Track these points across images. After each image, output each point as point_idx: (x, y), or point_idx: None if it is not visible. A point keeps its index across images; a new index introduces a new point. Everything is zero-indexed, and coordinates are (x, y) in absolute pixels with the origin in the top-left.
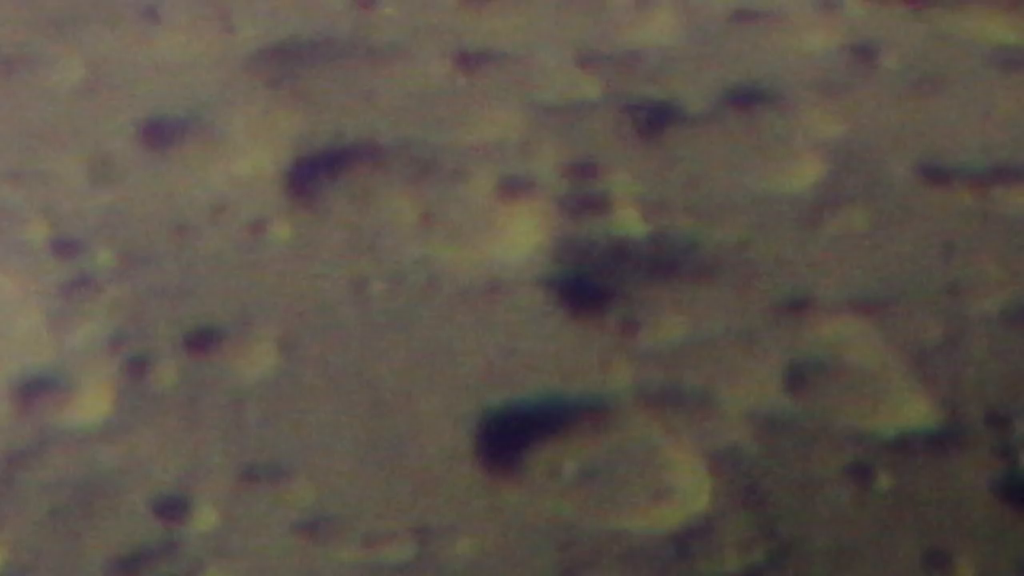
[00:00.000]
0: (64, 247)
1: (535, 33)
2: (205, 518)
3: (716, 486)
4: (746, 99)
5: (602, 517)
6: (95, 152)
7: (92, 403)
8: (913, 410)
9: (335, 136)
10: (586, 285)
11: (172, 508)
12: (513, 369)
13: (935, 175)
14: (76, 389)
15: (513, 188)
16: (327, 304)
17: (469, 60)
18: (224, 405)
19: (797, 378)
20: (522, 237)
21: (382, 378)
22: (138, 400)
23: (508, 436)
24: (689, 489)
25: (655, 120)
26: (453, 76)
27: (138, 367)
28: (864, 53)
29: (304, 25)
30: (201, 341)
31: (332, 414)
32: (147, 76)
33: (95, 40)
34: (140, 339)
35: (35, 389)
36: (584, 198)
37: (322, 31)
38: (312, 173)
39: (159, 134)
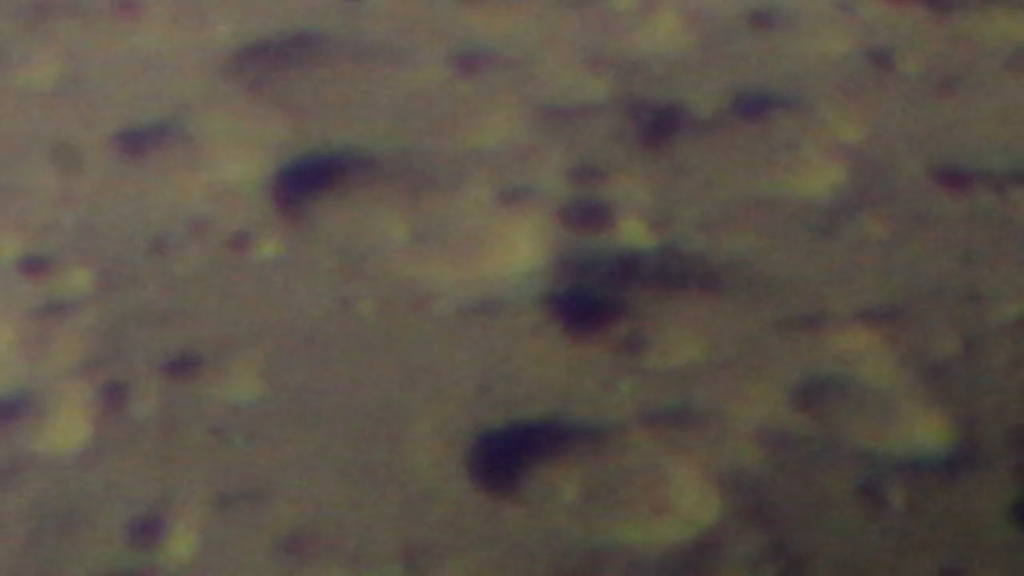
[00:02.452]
0: (36, 266)
1: (537, 33)
2: (182, 542)
3: (723, 505)
4: (758, 104)
5: (601, 533)
6: (68, 161)
7: (67, 430)
8: (928, 427)
9: (322, 144)
10: (589, 301)
11: (149, 532)
12: (510, 391)
13: (954, 181)
14: (50, 415)
15: (513, 198)
16: (313, 326)
17: (467, 62)
18: (204, 430)
19: (808, 394)
20: (521, 251)
21: (370, 403)
22: (115, 426)
23: (504, 458)
24: (694, 508)
25: (663, 126)
26: (450, 79)
27: (115, 392)
28: (881, 56)
29: (288, 22)
30: (181, 365)
31: (317, 439)
32: (122, 77)
33: (67, 37)
34: (117, 364)
35: (7, 414)
36: (588, 208)
37: (308, 28)
38: (298, 185)
39: (135, 141)
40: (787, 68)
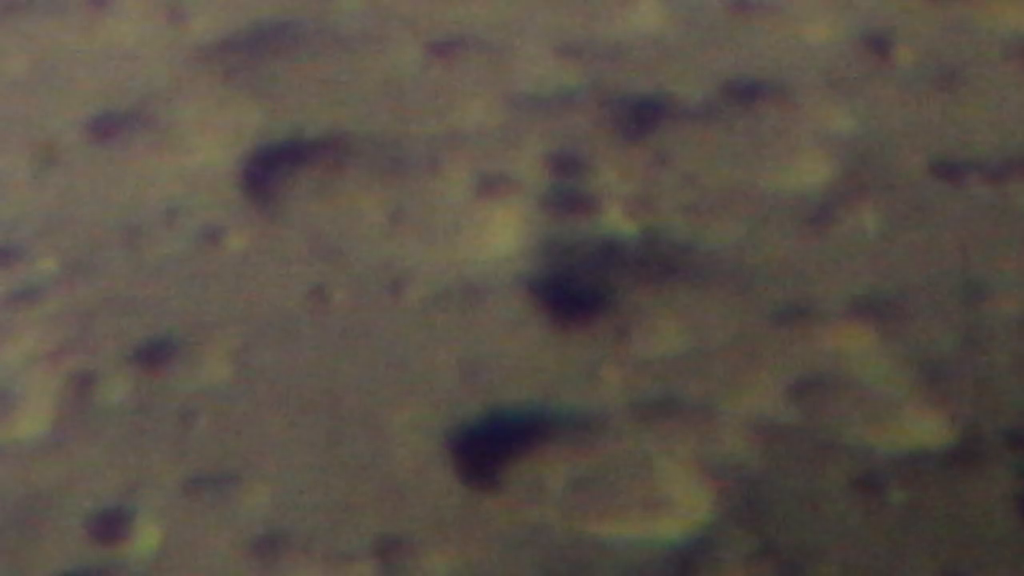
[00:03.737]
0: (3, 254)
1: (515, 18)
2: (148, 535)
3: (715, 501)
4: (746, 93)
5: (589, 530)
6: (37, 149)
7: (32, 419)
8: (925, 425)
9: (295, 131)
10: (572, 289)
11: (114, 525)
12: (490, 380)
13: (950, 172)
14: (15, 405)
15: (491, 187)
16: (285, 312)
17: (443, 47)
18: (172, 419)
19: (801, 390)
20: (500, 239)
21: (345, 390)
22: (81, 416)
23: (485, 450)
24: (686, 503)
25: (644, 116)
26: (426, 65)
27: (82, 381)
28: (875, 44)
29: (262, 9)
30: (150, 354)
31: (289, 427)
32: (93, 67)
33: (38, 29)
34: (85, 352)
35: None
36: (569, 197)
37: (282, 16)
38: (271, 171)
39: (106, 130)
40: (776, 55)
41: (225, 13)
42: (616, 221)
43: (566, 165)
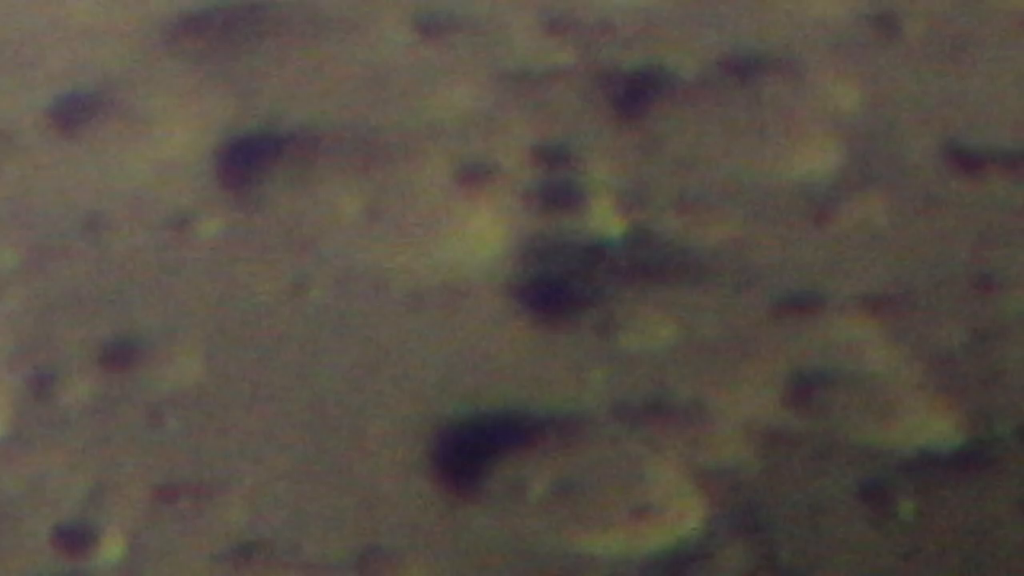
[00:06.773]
0: None
1: None
2: (113, 546)
3: (708, 509)
4: (746, 69)
5: (574, 539)
6: None
7: None
8: (935, 424)
9: (270, 119)
10: (556, 286)
11: (77, 536)
12: (473, 379)
13: (963, 156)
14: None
15: (473, 176)
16: (260, 309)
17: (426, 26)
18: (139, 422)
19: (802, 387)
20: (483, 233)
21: (322, 390)
22: (42, 419)
23: (467, 451)
24: (676, 511)
25: (636, 94)
26: (408, 46)
27: (43, 382)
28: (884, 17)
29: None
30: (117, 352)
31: (264, 429)
32: (54, 47)
33: None
34: (47, 350)
35: None
36: (555, 190)
37: None
38: (244, 160)
39: (69, 115)
40: (778, 28)
41: None
42: (604, 217)
43: (553, 154)
